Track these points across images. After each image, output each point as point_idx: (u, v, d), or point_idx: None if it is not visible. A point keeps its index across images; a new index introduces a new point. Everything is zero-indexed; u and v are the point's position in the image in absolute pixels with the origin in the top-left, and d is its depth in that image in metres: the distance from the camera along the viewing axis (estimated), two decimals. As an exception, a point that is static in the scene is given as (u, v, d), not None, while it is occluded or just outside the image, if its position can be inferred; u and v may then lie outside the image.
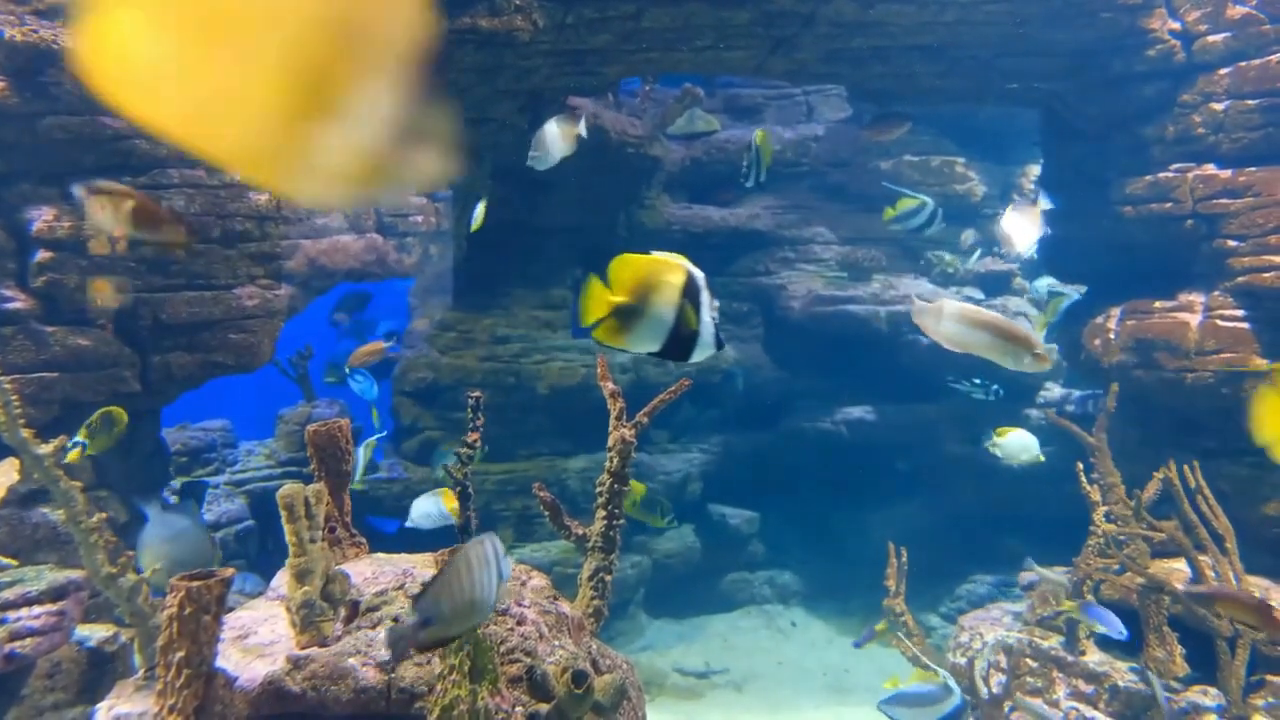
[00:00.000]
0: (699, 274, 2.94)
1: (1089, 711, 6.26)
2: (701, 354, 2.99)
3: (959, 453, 11.19)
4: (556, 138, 6.62)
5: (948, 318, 3.96)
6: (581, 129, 6.74)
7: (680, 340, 2.93)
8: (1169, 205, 7.51)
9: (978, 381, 10.40)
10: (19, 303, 5.93)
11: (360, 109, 0.99)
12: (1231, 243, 7.15)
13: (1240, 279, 7.08)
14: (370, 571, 3.70)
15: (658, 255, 2.95)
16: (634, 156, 11.08)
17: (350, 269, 7.20)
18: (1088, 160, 8.46)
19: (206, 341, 6.52)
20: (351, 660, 3.21)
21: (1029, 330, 4.41)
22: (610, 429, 4.23)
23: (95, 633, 5.66)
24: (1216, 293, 7.31)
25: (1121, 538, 6.51)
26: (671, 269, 2.92)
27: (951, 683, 5.67)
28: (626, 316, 2.89)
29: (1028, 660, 6.78)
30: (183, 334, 6.45)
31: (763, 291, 12.50)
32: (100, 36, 0.91)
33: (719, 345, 3.00)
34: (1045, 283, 12.32)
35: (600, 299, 2.87)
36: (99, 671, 5.53)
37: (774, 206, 12.88)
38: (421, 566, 3.72)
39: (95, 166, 6.14)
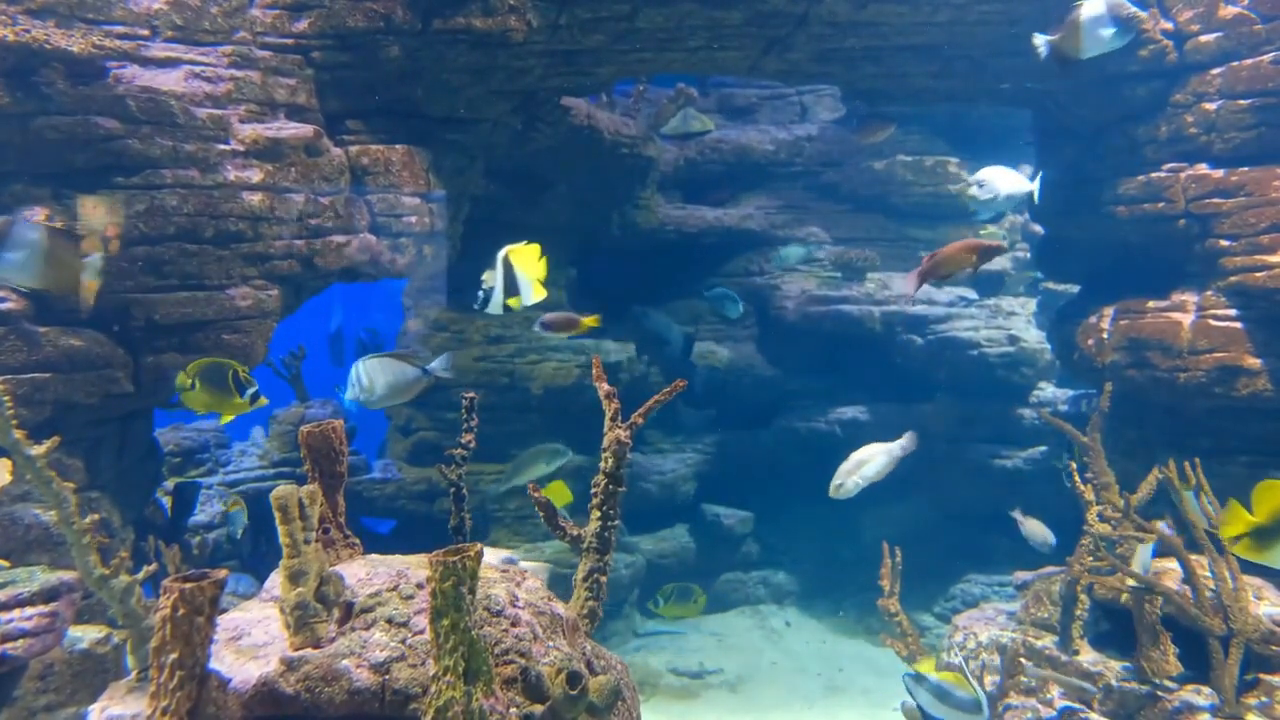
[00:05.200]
0: None
1: (1083, 711, 6.27)
2: None
3: (953, 452, 11.21)
4: None
5: None
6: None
7: None
8: (1162, 205, 7.53)
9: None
10: (10, 303, 5.90)
11: None
12: (1224, 242, 7.17)
13: (1233, 278, 7.10)
14: (364, 573, 3.69)
15: None
16: (627, 156, 11.08)
17: (343, 269, 7.19)
18: (1081, 160, 8.48)
19: (199, 342, 6.49)
20: (346, 662, 3.20)
21: None
22: (605, 429, 4.22)
23: (88, 634, 5.63)
24: (1209, 292, 7.33)
25: (1115, 538, 6.51)
26: None
27: (985, 702, 5.43)
28: (1265, 536, 3.46)
29: (1022, 659, 6.79)
30: (176, 334, 6.42)
31: (757, 291, 12.51)
32: None
33: None
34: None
35: (1239, 518, 3.55)
36: (92, 673, 5.51)
37: (768, 206, 12.90)
38: (416, 567, 3.70)
39: (88, 167, 6.11)
